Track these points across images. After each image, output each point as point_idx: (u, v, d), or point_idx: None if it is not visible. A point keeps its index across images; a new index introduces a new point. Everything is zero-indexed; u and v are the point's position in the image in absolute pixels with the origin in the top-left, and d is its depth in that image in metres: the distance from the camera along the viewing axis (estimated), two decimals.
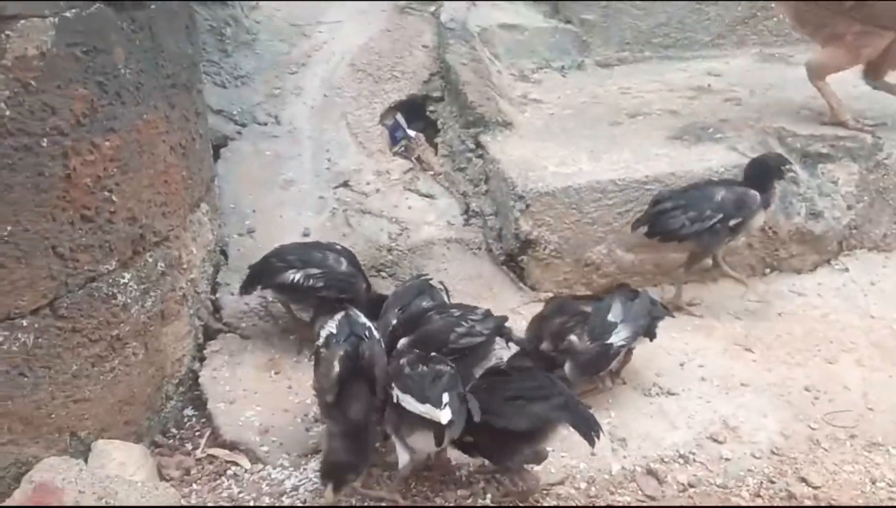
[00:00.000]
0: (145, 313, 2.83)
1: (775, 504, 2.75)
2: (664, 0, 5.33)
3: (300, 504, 2.47)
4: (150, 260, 2.85)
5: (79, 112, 2.49)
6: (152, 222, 2.85)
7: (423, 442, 2.56)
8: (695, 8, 5.35)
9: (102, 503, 2.35)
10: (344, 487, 2.56)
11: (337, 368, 2.57)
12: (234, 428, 2.98)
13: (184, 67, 3.11)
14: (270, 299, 3.52)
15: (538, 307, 3.61)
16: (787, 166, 3.67)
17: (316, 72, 4.84)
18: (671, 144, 4.16)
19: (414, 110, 4.86)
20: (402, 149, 4.72)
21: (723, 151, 4.05)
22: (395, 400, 2.54)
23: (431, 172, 4.48)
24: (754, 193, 3.55)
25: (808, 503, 2.71)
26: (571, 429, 2.63)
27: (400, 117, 4.85)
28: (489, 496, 2.75)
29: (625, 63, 5.29)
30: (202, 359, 3.25)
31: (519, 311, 3.69)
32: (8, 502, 2.41)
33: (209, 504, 2.47)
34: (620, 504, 2.73)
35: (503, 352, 3.17)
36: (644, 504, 2.74)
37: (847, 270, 4.06)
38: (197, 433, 3.01)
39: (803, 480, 2.83)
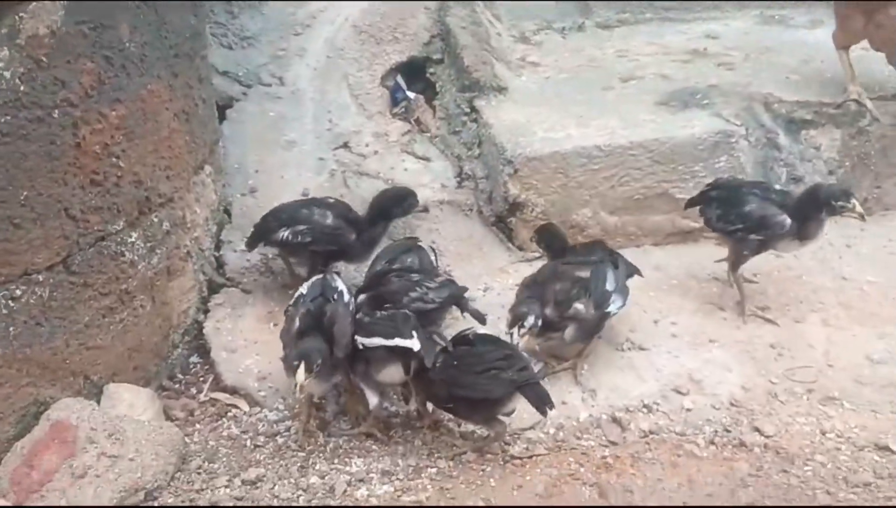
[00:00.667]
0: (152, 269, 3.08)
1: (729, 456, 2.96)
2: None
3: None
4: (156, 220, 3.09)
5: (87, 85, 2.70)
6: (157, 184, 3.08)
7: (393, 374, 2.83)
8: None
9: (113, 438, 2.63)
10: (314, 367, 2.72)
11: (297, 324, 2.80)
12: (235, 375, 3.25)
13: (187, 36, 3.30)
14: (271, 255, 3.76)
15: (525, 266, 3.84)
16: (841, 203, 3.35)
17: (320, 33, 4.97)
18: (658, 109, 4.28)
19: (414, 72, 4.99)
20: (403, 110, 4.87)
21: (707, 117, 4.17)
22: (360, 348, 2.81)
23: (428, 135, 4.65)
24: (783, 217, 3.40)
25: (756, 451, 2.93)
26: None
27: (400, 79, 4.98)
28: (468, 442, 2.99)
29: (625, 24, 5.32)
30: (206, 311, 3.51)
31: (506, 270, 3.90)
32: (27, 437, 2.68)
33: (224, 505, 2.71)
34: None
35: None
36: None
37: (825, 233, 4.19)
38: (201, 379, 3.28)
39: (757, 430, 3.05)
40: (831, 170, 4.23)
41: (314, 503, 2.68)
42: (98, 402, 2.88)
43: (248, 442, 2.96)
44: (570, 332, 3.18)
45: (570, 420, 3.11)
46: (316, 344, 2.77)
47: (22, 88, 2.54)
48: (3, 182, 2.56)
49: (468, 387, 2.83)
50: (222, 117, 4.41)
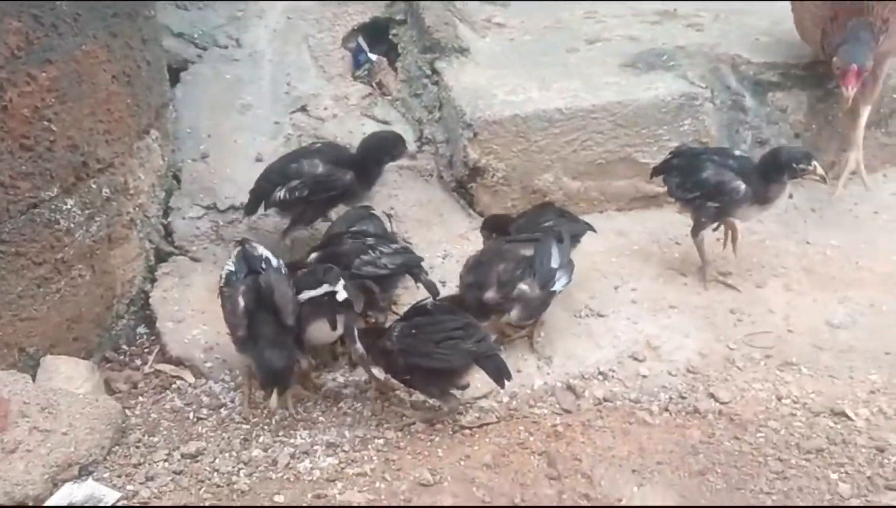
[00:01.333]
0: (90, 237, 2.97)
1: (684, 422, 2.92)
2: None
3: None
4: (94, 186, 2.98)
5: (13, 45, 2.57)
6: (95, 149, 2.97)
7: (321, 330, 2.77)
8: None
9: (45, 412, 2.55)
10: (287, 390, 2.73)
11: (242, 303, 2.72)
12: (181, 345, 3.17)
13: None
14: (222, 222, 3.67)
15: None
16: (802, 166, 3.30)
17: None
18: (623, 72, 4.19)
19: (377, 33, 4.87)
20: (365, 73, 4.77)
21: (671, 79, 4.09)
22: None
23: (390, 98, 4.54)
24: (738, 183, 3.35)
25: (710, 417, 2.89)
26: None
27: (362, 40, 4.87)
28: (418, 412, 2.94)
29: None
30: (153, 280, 3.41)
31: (467, 236, 3.82)
32: None
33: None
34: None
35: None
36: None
37: (791, 196, 4.13)
38: (146, 350, 3.20)
39: (712, 396, 3.01)
40: (797, 133, 4.18)
41: (255, 476, 2.62)
42: (35, 375, 2.79)
43: (192, 415, 2.89)
44: (515, 313, 3.08)
45: (525, 389, 3.06)
46: (281, 357, 2.70)
47: None
48: None
49: (426, 356, 2.77)
50: (175, 81, 4.29)
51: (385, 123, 4.34)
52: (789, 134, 4.17)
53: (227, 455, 2.69)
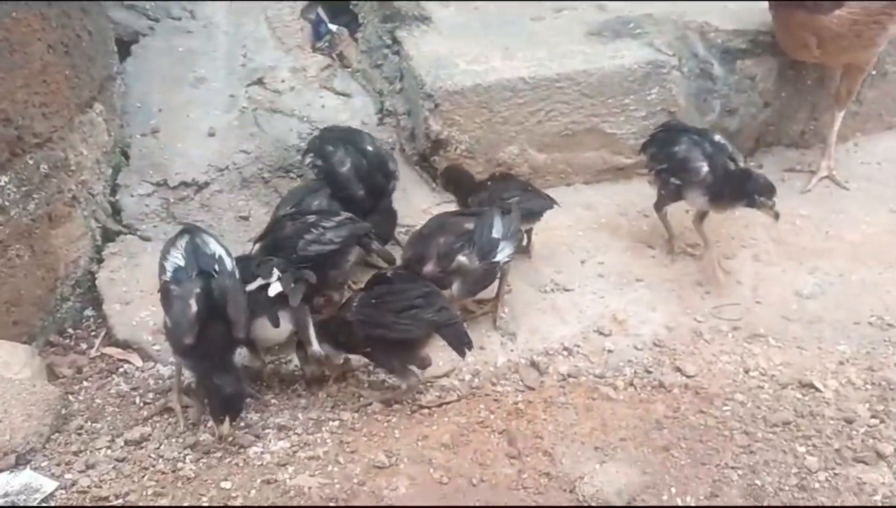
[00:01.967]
0: (28, 215, 2.82)
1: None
2: None
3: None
4: (31, 162, 2.83)
5: None
6: (31, 123, 2.81)
7: (263, 330, 2.62)
8: None
9: None
10: (238, 416, 2.53)
11: (194, 308, 2.47)
12: (128, 328, 3.04)
13: None
14: (173, 199, 3.53)
15: (451, 207, 3.65)
16: (763, 199, 3.19)
17: None
18: (589, 40, 4.08)
19: (337, 3, 4.73)
20: (326, 44, 4.62)
21: (637, 46, 3.98)
22: None
23: (350, 70, 4.41)
24: (701, 164, 3.27)
25: (675, 391, 2.82)
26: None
27: (321, 11, 4.72)
28: (375, 392, 2.84)
29: None
30: (101, 260, 3.27)
31: (430, 211, 3.70)
32: None
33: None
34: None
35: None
36: None
37: (761, 166, 4.07)
38: (93, 334, 3.07)
39: (678, 370, 2.94)
40: (767, 101, 4.10)
41: (202, 462, 2.50)
42: None
43: (138, 399, 2.77)
44: (457, 287, 2.95)
45: (487, 366, 2.97)
46: (234, 386, 2.48)
47: None
48: None
49: (386, 327, 2.66)
50: (126, 54, 4.13)
51: (345, 95, 4.21)
52: (759, 103, 4.09)
53: (172, 440, 2.58)
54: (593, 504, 2.39)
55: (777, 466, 2.55)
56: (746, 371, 2.95)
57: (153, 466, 2.49)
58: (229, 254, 2.66)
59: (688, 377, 2.90)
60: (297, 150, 3.81)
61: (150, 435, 2.60)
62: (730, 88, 4.04)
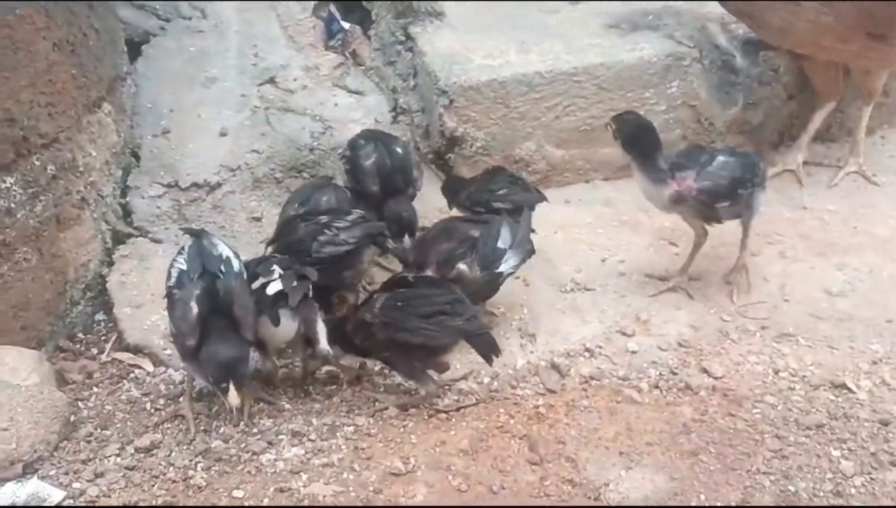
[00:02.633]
0: (35, 218, 2.76)
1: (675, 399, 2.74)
2: None
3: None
4: (37, 163, 2.77)
5: None
6: (37, 123, 2.75)
7: (267, 329, 2.55)
8: None
9: None
10: (245, 382, 2.44)
11: (195, 309, 2.40)
12: (140, 332, 2.96)
13: None
14: (184, 201, 3.47)
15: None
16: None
17: None
18: (606, 32, 4.00)
19: (350, 1, 4.66)
20: (339, 43, 4.56)
21: (657, 39, 3.90)
22: None
23: (363, 68, 4.34)
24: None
25: (703, 394, 2.72)
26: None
27: (333, 8, 4.66)
28: (391, 397, 2.75)
29: None
30: (111, 263, 3.20)
31: (446, 210, 3.62)
32: None
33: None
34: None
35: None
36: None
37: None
38: (103, 338, 3.00)
39: (705, 371, 2.83)
40: (791, 94, 3.99)
41: (213, 470, 2.43)
42: None
43: (148, 405, 2.69)
44: None
45: (507, 369, 2.87)
46: (233, 350, 2.40)
47: None
48: None
49: (411, 331, 2.56)
50: (136, 54, 4.08)
51: (358, 93, 4.14)
52: (782, 95, 3.99)
53: (183, 447, 2.50)
54: None
55: (811, 471, 2.44)
56: (776, 372, 2.84)
57: (163, 474, 2.41)
58: (237, 256, 2.59)
59: (715, 378, 2.80)
60: (309, 149, 3.75)
61: (160, 442, 2.52)
62: (752, 81, 3.93)
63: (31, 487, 2.32)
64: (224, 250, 2.55)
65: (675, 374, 2.83)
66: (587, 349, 2.95)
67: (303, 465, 2.44)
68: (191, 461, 2.46)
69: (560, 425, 2.56)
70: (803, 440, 2.55)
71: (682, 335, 3.00)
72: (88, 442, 2.52)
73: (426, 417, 2.63)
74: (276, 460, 2.46)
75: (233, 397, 2.40)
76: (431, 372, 2.68)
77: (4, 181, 2.64)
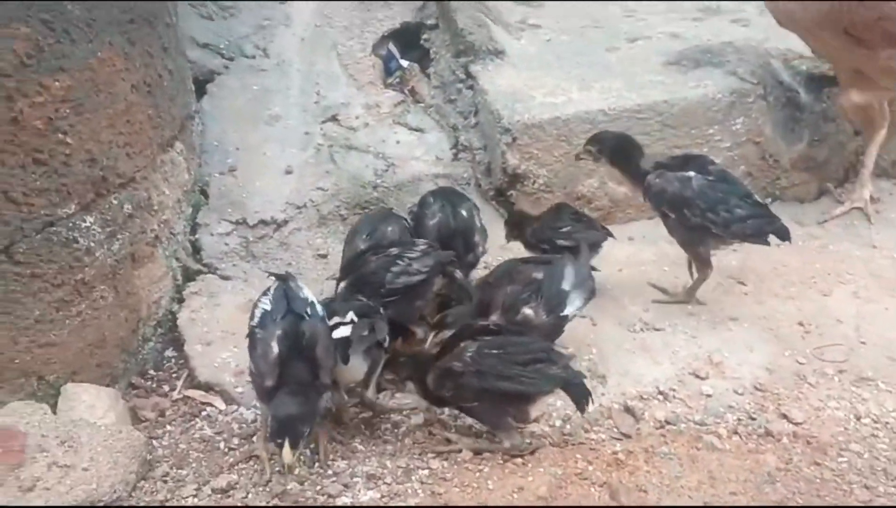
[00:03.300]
0: (112, 256, 2.79)
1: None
2: None
3: None
4: (115, 202, 2.81)
5: (22, 52, 2.41)
6: (115, 163, 2.79)
7: (343, 372, 2.54)
8: None
9: (65, 446, 2.37)
10: (301, 442, 2.38)
11: (276, 350, 2.39)
12: (210, 370, 2.97)
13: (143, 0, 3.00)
14: (252, 238, 3.50)
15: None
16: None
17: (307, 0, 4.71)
18: (667, 69, 3.99)
19: (408, 39, 4.71)
20: (397, 80, 4.60)
21: (720, 75, 3.88)
22: None
23: (423, 105, 4.36)
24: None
25: (785, 440, 2.64)
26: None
27: (393, 47, 4.71)
28: (466, 440, 2.69)
29: None
30: (181, 300, 3.23)
31: (508, 247, 3.61)
32: None
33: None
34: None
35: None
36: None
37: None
38: (174, 375, 3.01)
39: (784, 416, 2.76)
40: (857, 130, 3.92)
41: None
42: (55, 405, 2.61)
43: (222, 445, 2.69)
44: None
45: (578, 412, 2.81)
46: (299, 409, 2.36)
47: None
48: None
49: (511, 379, 2.49)
50: (202, 92, 4.15)
51: (419, 130, 4.15)
52: (848, 131, 3.93)
53: (260, 489, 2.48)
54: None
55: None
56: (858, 418, 2.76)
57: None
58: (319, 303, 2.59)
59: (796, 424, 2.72)
60: (373, 186, 3.77)
61: (236, 483, 2.51)
62: (817, 117, 3.89)
63: None
64: (309, 295, 2.56)
65: (753, 419, 2.76)
66: (661, 392, 2.89)
67: None
68: (268, 502, 2.44)
69: (640, 472, 2.50)
70: (893, 490, 2.46)
71: (758, 378, 2.94)
72: (165, 482, 2.52)
73: (501, 461, 2.58)
74: (352, 504, 2.43)
75: (286, 454, 2.34)
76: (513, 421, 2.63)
77: (85, 221, 2.68)
